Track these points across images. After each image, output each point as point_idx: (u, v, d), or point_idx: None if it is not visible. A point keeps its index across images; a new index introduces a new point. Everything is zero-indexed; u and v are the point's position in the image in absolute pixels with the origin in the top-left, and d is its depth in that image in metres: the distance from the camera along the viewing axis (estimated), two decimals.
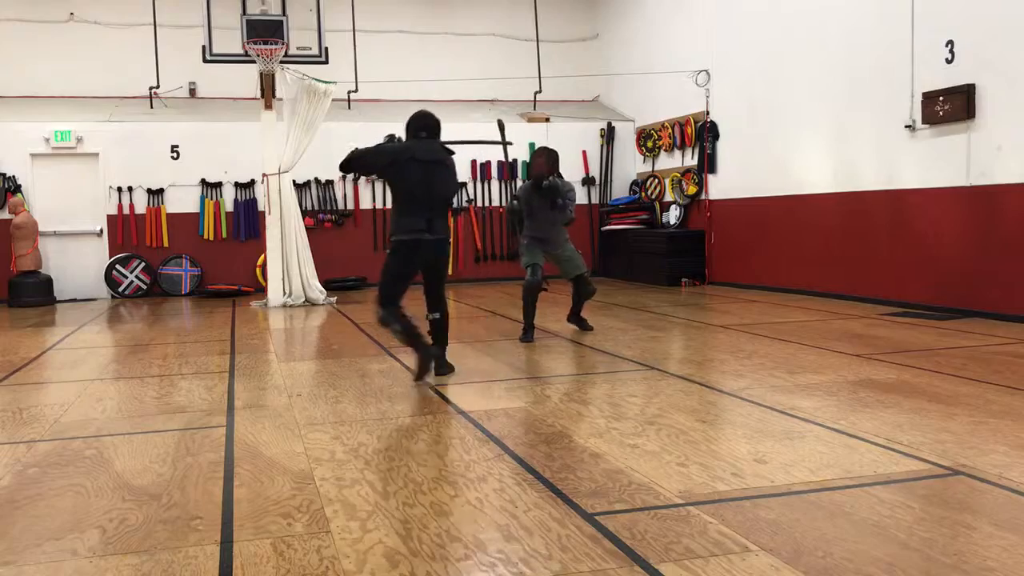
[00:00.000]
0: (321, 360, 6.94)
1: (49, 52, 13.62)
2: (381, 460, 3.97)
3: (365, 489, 3.54)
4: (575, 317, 8.12)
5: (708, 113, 12.58)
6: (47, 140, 12.75)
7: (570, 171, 14.61)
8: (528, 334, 7.57)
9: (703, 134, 12.65)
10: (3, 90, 13.44)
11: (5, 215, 12.46)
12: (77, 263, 12.99)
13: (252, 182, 13.31)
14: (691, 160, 13.14)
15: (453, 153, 5.99)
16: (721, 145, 12.47)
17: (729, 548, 2.81)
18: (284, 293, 11.43)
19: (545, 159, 7.71)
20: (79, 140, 12.84)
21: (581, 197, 14.70)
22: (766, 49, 11.31)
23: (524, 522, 3.11)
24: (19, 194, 12.55)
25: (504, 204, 14.64)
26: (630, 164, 14.87)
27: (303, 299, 11.51)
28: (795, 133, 10.84)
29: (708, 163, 12.64)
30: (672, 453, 3.94)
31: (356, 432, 4.51)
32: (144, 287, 13.04)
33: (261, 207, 12.73)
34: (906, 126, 8.97)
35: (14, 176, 12.67)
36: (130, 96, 13.77)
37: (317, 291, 11.70)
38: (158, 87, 13.53)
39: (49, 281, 12.52)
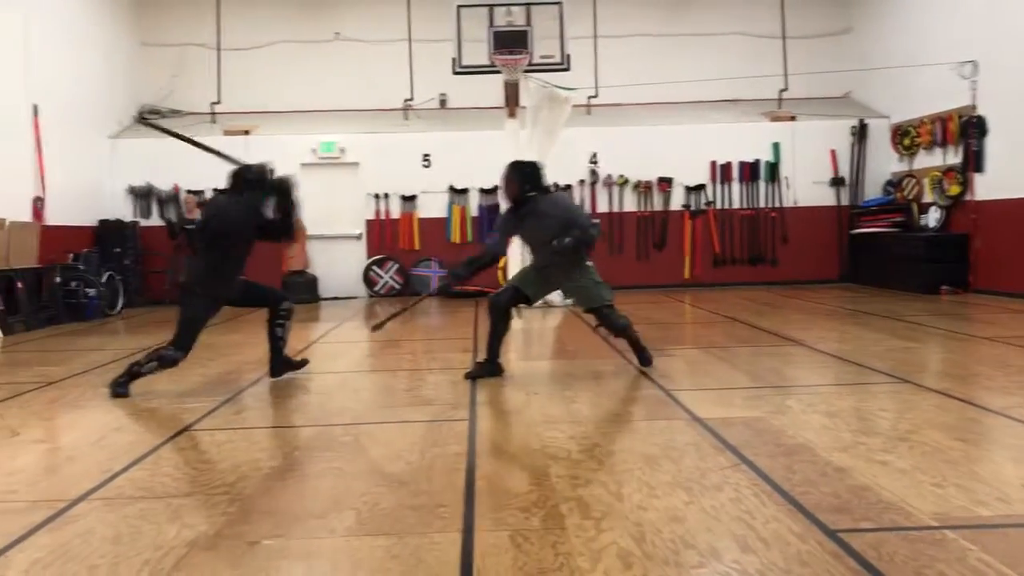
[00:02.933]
0: (557, 360, 7.07)
1: (317, 69, 14.81)
2: (615, 462, 3.99)
3: (599, 490, 3.57)
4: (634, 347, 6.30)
5: (975, 107, 11.59)
6: (314, 151, 13.92)
7: (817, 171, 14.06)
8: (486, 366, 6.14)
9: (968, 130, 11.67)
10: (277, 105, 14.75)
11: None
12: (339, 264, 14.06)
13: (495, 188, 13.79)
14: (954, 158, 12.16)
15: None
16: (990, 141, 11.44)
17: None
18: None
19: (512, 176, 6.09)
20: (342, 151, 13.91)
21: (828, 198, 14.07)
22: None
23: (762, 534, 3.02)
24: None
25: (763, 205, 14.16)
26: (884, 163, 13.98)
27: (540, 301, 11.73)
28: None
29: (974, 161, 11.64)
30: (926, 472, 3.67)
31: (590, 432, 4.56)
32: (397, 287, 13.88)
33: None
34: None
35: None
36: (387, 108, 14.72)
37: (554, 293, 11.89)
38: (412, 99, 14.41)
39: (314, 280, 13.65)
